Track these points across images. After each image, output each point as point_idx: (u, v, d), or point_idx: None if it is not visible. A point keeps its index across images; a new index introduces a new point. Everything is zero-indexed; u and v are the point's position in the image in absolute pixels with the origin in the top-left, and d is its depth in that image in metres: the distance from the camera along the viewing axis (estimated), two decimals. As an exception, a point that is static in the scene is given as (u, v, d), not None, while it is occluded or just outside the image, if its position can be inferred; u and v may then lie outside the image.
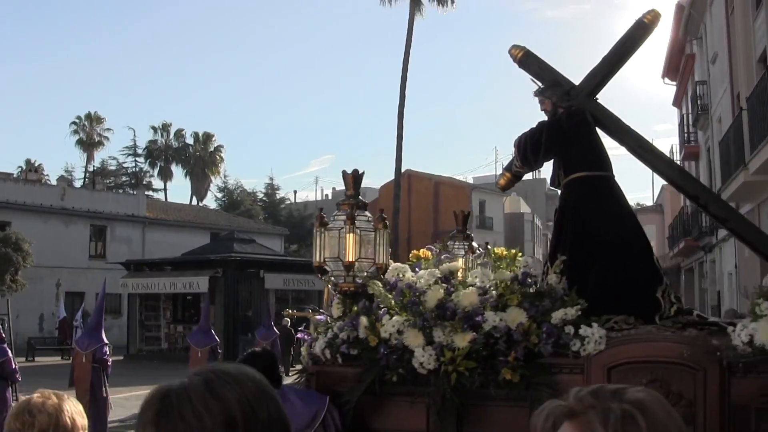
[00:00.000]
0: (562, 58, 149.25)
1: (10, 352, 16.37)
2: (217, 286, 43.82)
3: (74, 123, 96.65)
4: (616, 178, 8.04)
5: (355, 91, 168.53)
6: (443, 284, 7.09)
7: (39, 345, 45.00)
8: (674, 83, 52.27)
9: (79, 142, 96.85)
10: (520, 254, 7.89)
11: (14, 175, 70.48)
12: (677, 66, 49.50)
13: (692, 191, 8.10)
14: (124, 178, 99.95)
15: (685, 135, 47.32)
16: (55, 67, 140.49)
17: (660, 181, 77.68)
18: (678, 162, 51.94)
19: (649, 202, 78.03)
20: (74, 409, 3.39)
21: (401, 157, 59.53)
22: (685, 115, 48.50)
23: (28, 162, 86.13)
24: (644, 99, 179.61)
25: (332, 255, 7.60)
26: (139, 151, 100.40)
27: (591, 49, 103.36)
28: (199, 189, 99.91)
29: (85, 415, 3.44)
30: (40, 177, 73.82)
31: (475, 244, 9.74)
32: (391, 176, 62.56)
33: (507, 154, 59.01)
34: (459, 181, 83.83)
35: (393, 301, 7.11)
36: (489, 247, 8.81)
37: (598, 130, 8.18)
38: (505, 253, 7.82)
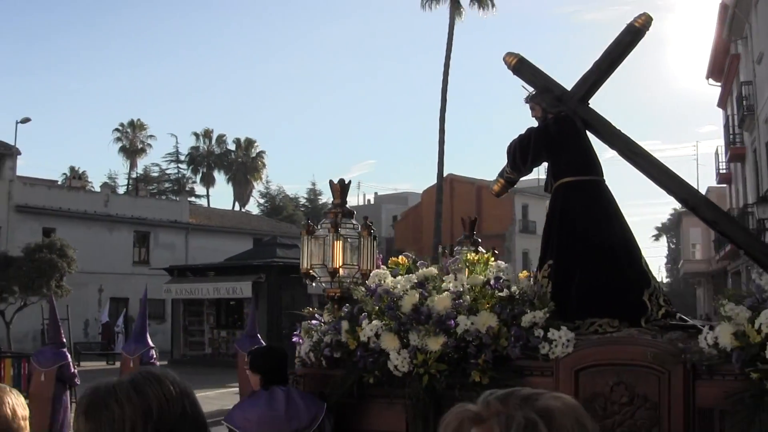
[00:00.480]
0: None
1: (69, 356, 16.45)
2: (260, 291, 43.83)
3: (117, 130, 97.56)
4: (606, 183, 8.12)
5: (396, 95, 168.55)
6: (418, 289, 7.24)
7: (84, 350, 45.25)
8: (719, 84, 51.79)
9: (122, 149, 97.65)
10: (492, 259, 7.94)
11: (59, 183, 71.02)
12: (722, 66, 49.02)
13: (682, 194, 8.13)
14: (166, 185, 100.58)
15: (731, 136, 46.82)
16: (97, 76, 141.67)
17: (705, 184, 77.07)
18: (724, 164, 51.73)
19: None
20: (15, 401, 3.45)
21: (443, 162, 59.35)
22: (730, 117, 48.02)
23: (72, 169, 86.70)
24: (688, 101, 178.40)
25: (319, 262, 7.85)
26: (182, 158, 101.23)
27: (632, 51, 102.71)
28: (242, 195, 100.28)
29: (26, 407, 3.51)
30: (83, 184, 74.27)
31: (482, 249, 10.00)
32: (433, 181, 62.46)
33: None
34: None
35: (375, 306, 7.28)
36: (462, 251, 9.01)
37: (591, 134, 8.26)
38: (477, 257, 7.85)
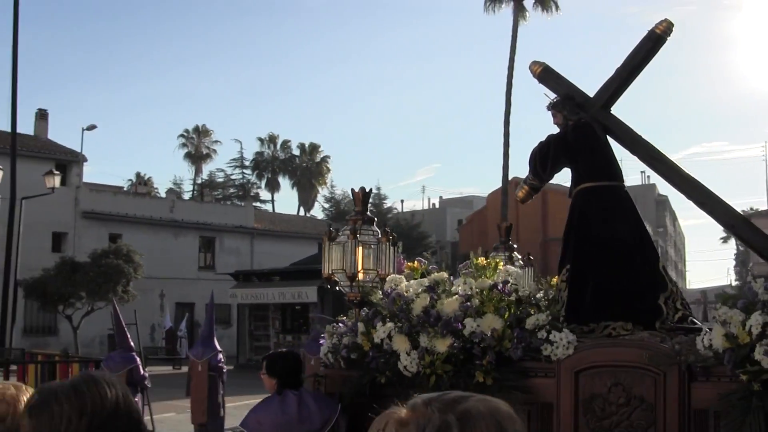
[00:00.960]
0: (666, 61, 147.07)
1: (138, 359, 16.52)
2: (325, 295, 43.70)
3: (182, 136, 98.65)
4: (625, 188, 8.32)
5: (460, 99, 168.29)
6: (429, 292, 7.50)
7: (151, 355, 45.46)
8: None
9: (188, 155, 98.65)
10: (501, 263, 8.18)
11: (124, 189, 71.67)
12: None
13: (701, 198, 8.17)
14: (231, 190, 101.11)
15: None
16: (162, 82, 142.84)
17: (773, 185, 75.80)
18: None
19: (764, 206, 76.26)
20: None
21: (508, 165, 58.97)
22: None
23: (138, 175, 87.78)
24: (757, 101, 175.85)
25: (339, 267, 8.16)
26: (246, 163, 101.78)
27: (697, 51, 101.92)
28: (306, 199, 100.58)
29: None
30: (149, 190, 75.02)
31: (517, 254, 10.48)
32: (499, 184, 62.03)
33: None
34: (566, 187, 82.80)
35: (388, 309, 7.57)
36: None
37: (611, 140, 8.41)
38: (486, 262, 8.04)
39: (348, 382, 7.62)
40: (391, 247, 8.26)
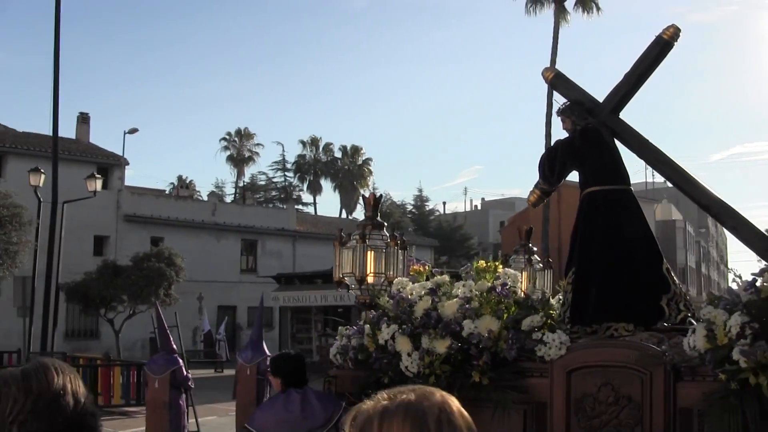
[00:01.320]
0: (710, 60, 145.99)
1: (181, 360, 16.48)
2: (366, 298, 43.53)
3: (224, 139, 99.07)
4: (632, 191, 8.46)
5: (502, 100, 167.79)
6: (431, 295, 7.74)
7: (193, 358, 45.40)
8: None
9: (230, 158, 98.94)
10: (500, 267, 8.31)
11: (166, 192, 71.79)
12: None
13: (705, 201, 8.34)
14: (273, 193, 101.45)
15: None
16: (204, 85, 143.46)
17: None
18: None
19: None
20: None
21: (550, 166, 58.57)
22: None
23: (180, 179, 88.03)
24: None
25: (350, 271, 8.42)
26: (288, 166, 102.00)
27: (738, 52, 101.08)
28: (348, 202, 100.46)
29: None
30: (191, 193, 75.28)
31: (536, 257, 10.61)
32: (541, 186, 61.59)
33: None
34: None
35: (393, 312, 7.79)
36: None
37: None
38: (485, 265, 8.24)
39: (356, 382, 7.89)
40: (400, 251, 8.52)
